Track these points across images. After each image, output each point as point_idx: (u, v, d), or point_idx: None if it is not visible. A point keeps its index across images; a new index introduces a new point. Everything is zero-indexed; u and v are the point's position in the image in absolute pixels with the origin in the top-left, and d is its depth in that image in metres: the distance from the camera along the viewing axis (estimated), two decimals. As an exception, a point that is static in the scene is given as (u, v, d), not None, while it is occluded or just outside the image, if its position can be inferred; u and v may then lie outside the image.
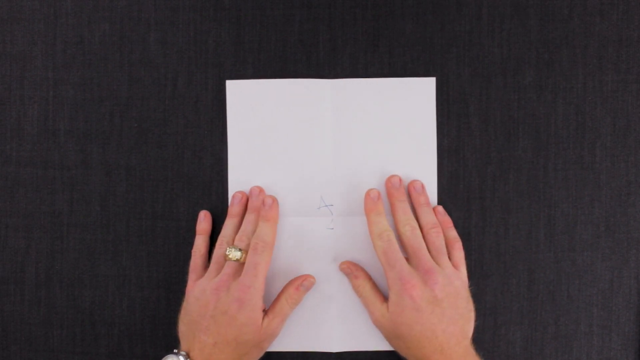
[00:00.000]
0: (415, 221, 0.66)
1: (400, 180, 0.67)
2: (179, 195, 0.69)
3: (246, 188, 0.68)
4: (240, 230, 0.66)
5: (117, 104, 0.69)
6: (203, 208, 0.69)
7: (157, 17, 0.69)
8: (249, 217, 0.67)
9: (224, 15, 0.69)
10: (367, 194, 0.67)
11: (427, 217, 0.67)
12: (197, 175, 0.69)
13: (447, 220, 0.68)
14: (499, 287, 0.69)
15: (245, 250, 0.65)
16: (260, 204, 0.67)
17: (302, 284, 0.67)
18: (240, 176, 0.69)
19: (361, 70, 0.68)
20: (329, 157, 0.68)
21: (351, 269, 0.67)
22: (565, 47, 0.69)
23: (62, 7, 0.69)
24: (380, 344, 0.68)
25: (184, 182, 0.69)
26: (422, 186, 0.68)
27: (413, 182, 0.68)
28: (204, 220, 0.68)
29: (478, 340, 0.67)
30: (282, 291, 0.67)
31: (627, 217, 0.69)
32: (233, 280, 0.63)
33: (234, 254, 0.64)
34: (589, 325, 0.69)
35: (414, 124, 0.68)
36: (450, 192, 0.69)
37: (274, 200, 0.67)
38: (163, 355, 0.64)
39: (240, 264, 0.64)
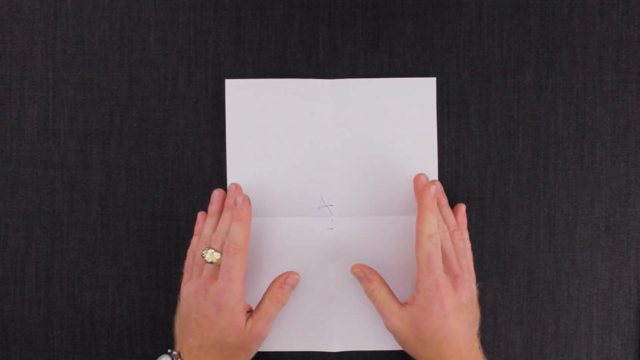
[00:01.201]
0: (445, 225, 0.65)
1: (428, 178, 0.67)
2: (179, 196, 0.69)
3: (245, 187, 0.68)
4: (216, 230, 0.65)
5: (117, 104, 0.69)
6: (203, 208, 0.69)
7: (157, 17, 0.69)
8: (225, 216, 0.65)
9: (224, 15, 0.69)
10: (428, 188, 0.63)
11: (450, 219, 0.66)
12: (197, 175, 0.69)
13: (464, 222, 0.68)
14: (498, 287, 0.69)
15: (220, 252, 0.63)
16: (232, 202, 0.65)
17: (285, 281, 0.65)
18: (240, 176, 0.69)
19: (361, 70, 0.68)
20: (329, 157, 0.68)
21: (365, 272, 0.66)
22: (565, 47, 0.69)
23: (62, 7, 0.69)
24: (380, 344, 0.68)
25: (184, 182, 0.69)
26: (441, 187, 0.67)
27: (434, 182, 0.67)
28: (201, 221, 0.68)
29: (478, 341, 0.67)
30: (267, 291, 0.65)
31: (627, 217, 0.69)
32: (211, 283, 0.63)
33: (209, 256, 0.63)
34: (589, 325, 0.69)
35: (414, 124, 0.68)
36: (451, 192, 0.69)
37: (245, 198, 0.64)
38: (163, 355, 0.64)
39: (217, 266, 0.63)
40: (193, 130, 0.69)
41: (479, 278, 0.68)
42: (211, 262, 0.63)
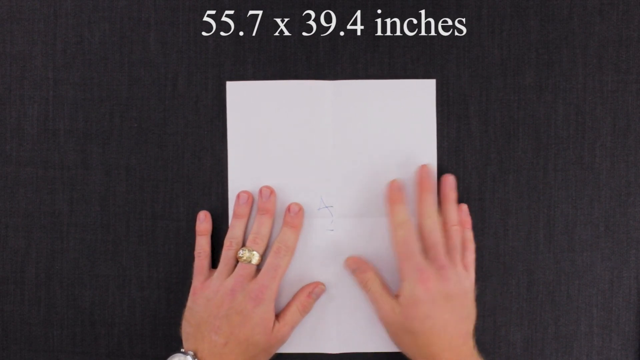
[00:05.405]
0: (437, 215, 0.65)
1: (433, 171, 0.67)
2: (179, 196, 0.69)
3: (246, 189, 0.68)
4: (253, 232, 0.66)
5: (117, 104, 0.69)
6: (203, 208, 0.69)
7: (157, 17, 0.69)
8: (262, 219, 0.67)
9: (224, 15, 0.69)
10: (391, 184, 0.66)
11: (452, 214, 0.66)
12: (197, 175, 0.69)
13: (468, 221, 0.68)
14: (498, 287, 0.69)
15: (259, 253, 0.65)
16: (270, 206, 0.67)
17: (313, 291, 0.67)
18: (240, 177, 0.69)
19: (361, 71, 0.68)
20: (329, 158, 0.68)
21: (358, 264, 0.67)
22: (565, 47, 0.69)
23: (62, 7, 0.69)
24: (380, 346, 0.68)
25: (184, 182, 0.69)
26: (455, 182, 0.67)
27: (447, 176, 0.67)
28: (204, 221, 0.68)
29: (478, 342, 0.66)
30: (294, 298, 0.67)
31: (627, 217, 0.69)
32: (247, 282, 0.64)
33: (248, 256, 0.65)
34: (589, 325, 0.69)
35: (414, 125, 0.68)
36: (450, 193, 0.69)
37: (301, 208, 0.67)
38: (163, 356, 0.64)
39: (253, 266, 0.65)
40: (193, 130, 0.69)
41: (479, 279, 0.68)
42: (248, 263, 0.64)
